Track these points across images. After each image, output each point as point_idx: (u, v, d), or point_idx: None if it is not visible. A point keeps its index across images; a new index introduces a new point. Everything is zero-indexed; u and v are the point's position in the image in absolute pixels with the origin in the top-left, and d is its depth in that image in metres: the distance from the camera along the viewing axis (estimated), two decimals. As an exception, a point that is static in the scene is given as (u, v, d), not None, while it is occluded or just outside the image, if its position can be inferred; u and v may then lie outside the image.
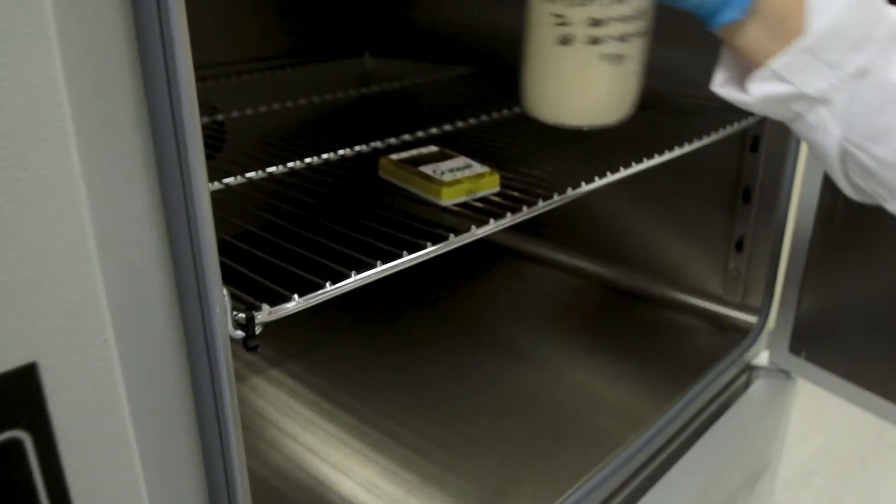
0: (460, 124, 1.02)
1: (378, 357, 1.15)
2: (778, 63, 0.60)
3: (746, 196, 1.17)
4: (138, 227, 0.43)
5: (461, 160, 0.81)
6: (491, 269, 1.41)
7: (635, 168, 0.88)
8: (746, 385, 1.17)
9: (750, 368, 1.19)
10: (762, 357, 1.20)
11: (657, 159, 0.90)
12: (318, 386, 1.07)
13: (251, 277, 0.59)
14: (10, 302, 0.38)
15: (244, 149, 0.93)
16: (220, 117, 1.05)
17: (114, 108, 0.40)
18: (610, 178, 0.85)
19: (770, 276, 1.17)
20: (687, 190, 1.23)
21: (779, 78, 0.61)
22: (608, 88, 0.68)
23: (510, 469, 0.93)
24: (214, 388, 0.47)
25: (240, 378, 1.08)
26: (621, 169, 0.86)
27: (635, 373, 1.13)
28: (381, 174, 0.83)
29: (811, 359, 1.12)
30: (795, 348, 1.14)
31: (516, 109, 1.10)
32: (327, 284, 0.58)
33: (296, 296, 0.56)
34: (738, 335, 1.20)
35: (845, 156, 0.62)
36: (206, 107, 1.08)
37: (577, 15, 0.63)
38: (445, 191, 0.76)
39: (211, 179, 0.80)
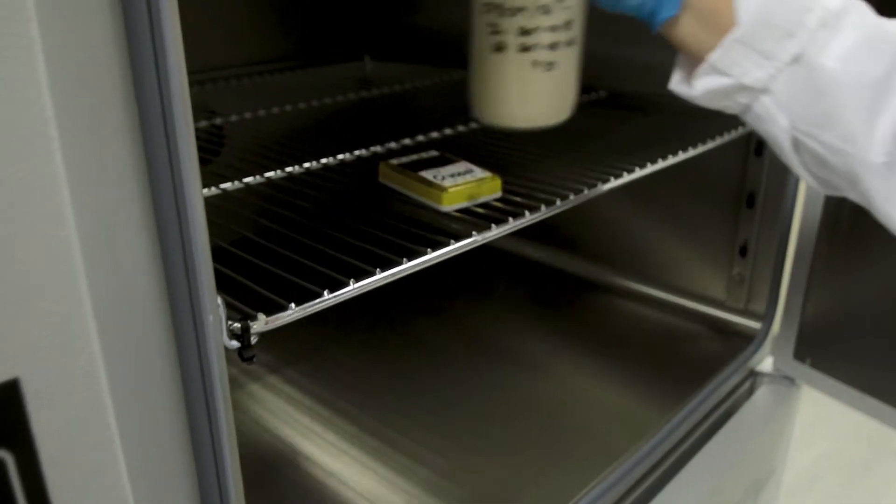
0: (461, 128, 1.01)
1: (378, 364, 1.14)
2: (715, 56, 0.62)
3: (750, 201, 1.16)
4: (127, 235, 0.41)
5: (462, 165, 0.80)
6: (493, 277, 1.40)
7: (639, 173, 0.87)
8: (750, 392, 1.16)
9: (754, 375, 1.18)
10: (766, 363, 1.19)
11: (661, 164, 0.89)
12: (318, 393, 1.06)
13: (248, 285, 0.58)
14: (-10, 315, 0.37)
15: (242, 153, 0.92)
16: (218, 121, 1.04)
17: (101, 111, 0.38)
18: (613, 183, 0.84)
19: (774, 282, 1.16)
20: (690, 195, 1.22)
21: (718, 71, 0.63)
22: (542, 93, 0.72)
23: (512, 478, 0.92)
24: (208, 402, 0.45)
25: (237, 384, 1.07)
26: (625, 174, 0.85)
27: (638, 379, 1.12)
28: (381, 179, 0.82)
29: (816, 365, 1.11)
30: (800, 354, 1.13)
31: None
32: (325, 293, 0.57)
33: (293, 304, 0.55)
34: (742, 341, 1.19)
35: (798, 146, 0.63)
36: (204, 111, 1.07)
37: (508, 24, 0.67)
38: (446, 196, 0.74)
39: (207, 185, 0.80)
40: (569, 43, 0.70)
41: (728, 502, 1.05)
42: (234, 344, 0.50)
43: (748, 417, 1.09)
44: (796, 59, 0.59)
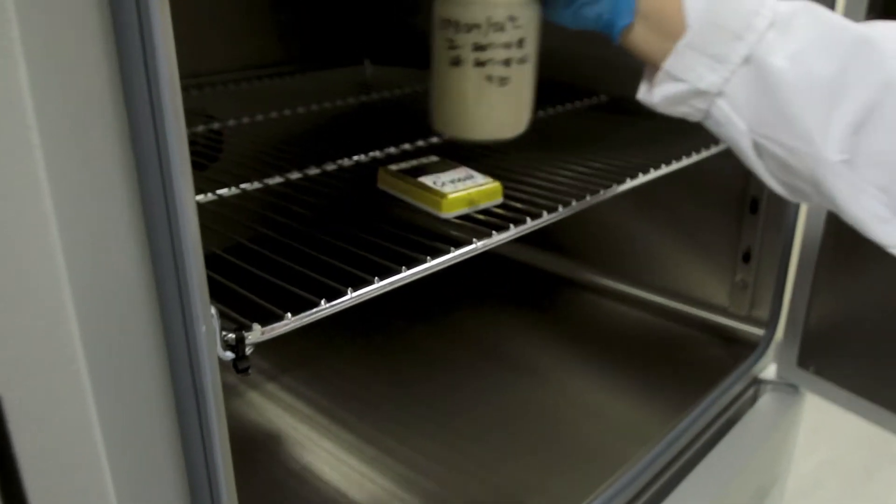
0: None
1: (377, 371, 1.13)
2: (669, 63, 0.63)
3: (754, 206, 1.15)
4: (115, 244, 0.40)
5: (463, 171, 0.79)
6: (494, 283, 1.39)
7: (642, 179, 0.86)
8: (753, 400, 1.15)
9: (757, 382, 1.17)
10: (769, 371, 1.18)
11: (664, 169, 0.88)
12: (316, 401, 1.05)
13: (243, 294, 0.57)
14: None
15: (240, 159, 0.91)
16: (216, 126, 1.03)
17: (87, 117, 0.37)
18: (616, 189, 0.83)
19: (777, 288, 1.15)
20: (693, 200, 1.21)
21: (673, 77, 0.64)
22: (497, 107, 0.75)
23: (513, 488, 0.91)
24: (201, 417, 0.44)
25: (234, 392, 1.06)
26: (628, 180, 0.85)
27: (641, 387, 1.11)
28: (380, 185, 0.81)
29: (820, 372, 1.10)
30: (804, 362, 1.12)
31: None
32: (322, 302, 0.56)
33: (289, 314, 0.53)
34: (745, 348, 1.18)
35: (760, 150, 0.64)
36: (202, 115, 1.06)
37: (464, 40, 0.71)
38: (446, 203, 0.73)
39: (204, 190, 0.79)
40: (521, 60, 0.73)
41: (732, 512, 1.04)
42: (229, 355, 0.48)
43: (752, 426, 1.08)
44: (747, 61, 0.60)
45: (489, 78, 0.72)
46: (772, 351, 1.17)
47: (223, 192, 0.79)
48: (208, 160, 0.95)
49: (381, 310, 1.24)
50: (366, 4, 1.40)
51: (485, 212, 0.76)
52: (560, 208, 0.77)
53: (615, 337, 1.25)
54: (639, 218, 1.29)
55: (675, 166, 0.89)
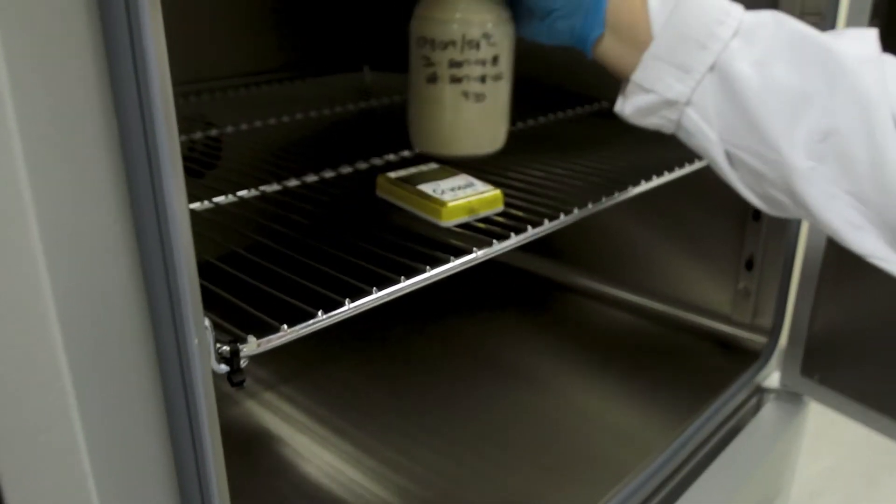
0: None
1: (376, 380, 1.12)
2: (637, 74, 0.65)
3: (756, 213, 1.14)
4: (102, 256, 0.38)
5: (463, 178, 0.78)
6: (494, 290, 1.38)
7: (644, 186, 0.86)
8: (757, 408, 1.14)
9: (760, 391, 1.16)
10: (772, 379, 1.17)
11: (667, 176, 0.88)
12: (314, 410, 1.04)
13: (238, 304, 0.56)
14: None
15: (238, 166, 0.90)
16: (213, 133, 1.02)
17: (73, 123, 0.36)
18: (618, 197, 0.82)
19: (781, 296, 1.14)
20: (695, 206, 1.20)
21: (642, 88, 0.65)
22: (474, 123, 0.77)
23: (515, 499, 0.90)
24: (194, 434, 0.43)
25: (231, 402, 1.05)
26: (630, 187, 0.84)
27: (642, 396, 1.10)
28: (379, 193, 0.80)
29: (824, 381, 1.09)
30: (808, 370, 1.11)
31: (519, 125, 1.08)
32: (319, 313, 0.54)
33: (285, 325, 0.52)
34: (748, 356, 1.17)
35: (733, 160, 0.64)
36: (201, 122, 1.05)
37: (440, 57, 0.73)
38: (446, 211, 0.72)
39: (201, 198, 0.78)
40: (496, 77, 0.75)
41: (736, 523, 1.02)
42: (223, 368, 0.47)
43: (755, 435, 1.07)
44: (712, 69, 0.61)
45: (465, 94, 0.74)
46: (775, 359, 1.16)
47: (220, 199, 0.78)
48: (206, 167, 0.94)
49: (380, 316, 1.22)
50: (365, 11, 1.40)
51: (485, 220, 0.75)
52: (562, 216, 0.77)
53: (617, 344, 1.24)
54: (640, 224, 1.29)
55: (677, 173, 0.89)
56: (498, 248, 0.70)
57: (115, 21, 0.35)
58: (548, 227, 0.75)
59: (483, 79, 0.74)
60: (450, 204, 0.73)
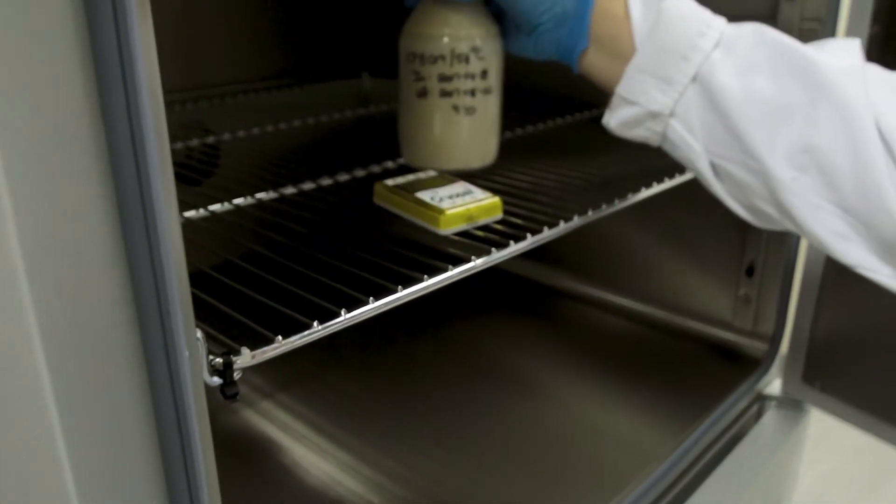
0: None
1: (376, 388, 1.11)
2: (621, 86, 0.65)
3: (757, 220, 1.13)
4: (88, 269, 0.37)
5: (461, 185, 0.77)
6: (494, 296, 1.37)
7: (645, 193, 0.85)
8: (758, 416, 1.13)
9: (761, 398, 1.16)
10: (773, 386, 1.16)
11: (667, 183, 0.87)
12: (312, 419, 1.03)
13: (232, 315, 0.55)
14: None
15: (235, 173, 0.90)
16: (210, 139, 1.01)
17: (55, 131, 0.35)
18: (618, 204, 0.81)
19: (782, 303, 1.13)
20: (695, 213, 1.19)
21: (626, 101, 0.65)
22: (465, 136, 0.77)
23: (515, 508, 0.89)
24: (185, 450, 0.42)
25: (228, 410, 1.04)
26: (630, 195, 0.83)
27: (643, 403, 1.09)
28: (376, 200, 0.79)
29: (826, 389, 1.08)
30: (809, 378, 1.10)
31: (518, 131, 1.07)
32: (315, 324, 0.54)
33: (279, 337, 0.51)
34: (749, 364, 1.16)
35: (718, 172, 0.64)
36: (199, 129, 1.04)
37: (429, 71, 0.74)
38: (444, 219, 0.71)
39: (196, 206, 0.77)
40: (486, 91, 0.76)
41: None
42: (216, 380, 0.46)
43: (756, 443, 1.06)
44: (694, 80, 0.61)
45: (455, 108, 0.75)
46: (776, 366, 1.15)
47: (215, 207, 0.78)
48: (203, 175, 0.93)
49: (378, 323, 1.22)
50: (364, 17, 1.39)
51: (484, 228, 0.74)
52: (561, 224, 0.76)
53: (617, 352, 1.23)
54: (640, 231, 1.28)
55: (678, 180, 0.88)
56: (497, 256, 0.69)
57: (102, 26, 0.34)
58: (547, 234, 0.74)
59: (473, 92, 0.75)
60: (448, 212, 0.72)
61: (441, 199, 0.73)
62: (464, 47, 0.73)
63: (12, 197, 0.34)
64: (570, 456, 0.98)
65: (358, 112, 1.19)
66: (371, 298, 0.58)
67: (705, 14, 0.63)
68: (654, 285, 1.30)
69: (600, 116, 0.70)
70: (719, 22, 0.63)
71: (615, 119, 0.68)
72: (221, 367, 0.46)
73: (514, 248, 0.71)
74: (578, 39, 0.67)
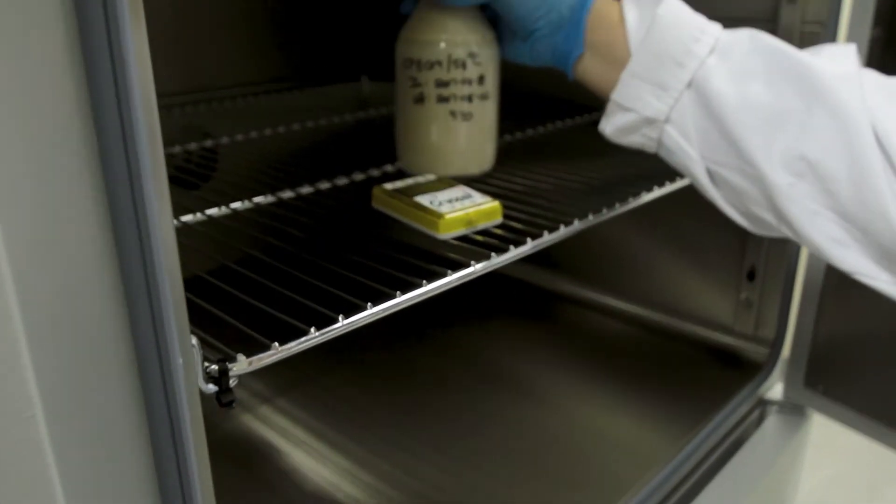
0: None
1: (375, 392, 1.10)
2: (616, 93, 0.65)
3: (758, 223, 1.12)
4: (79, 274, 0.37)
5: (460, 189, 0.76)
6: (494, 300, 1.37)
7: (646, 197, 0.85)
8: (759, 421, 1.12)
9: (763, 403, 1.15)
10: (775, 390, 1.16)
11: (669, 187, 0.87)
12: (311, 424, 1.02)
13: (228, 321, 0.55)
14: None
15: (233, 177, 0.89)
16: (208, 143, 1.01)
17: (43, 134, 0.34)
18: (619, 208, 0.81)
19: (784, 307, 1.12)
20: (696, 216, 1.19)
21: (621, 107, 0.65)
22: (463, 142, 0.77)
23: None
24: (179, 461, 0.41)
25: (226, 416, 1.03)
26: (631, 199, 0.82)
27: (644, 408, 1.09)
28: (375, 205, 0.78)
29: (828, 393, 1.08)
30: (811, 382, 1.10)
31: (518, 135, 1.07)
32: (312, 330, 0.53)
33: (276, 343, 0.51)
34: (751, 368, 1.15)
35: (715, 179, 0.64)
36: (198, 132, 1.04)
37: (426, 77, 0.74)
38: (443, 223, 0.71)
39: (193, 210, 0.76)
40: (483, 97, 0.76)
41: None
42: (211, 388, 0.46)
43: (758, 448, 1.06)
44: (689, 86, 0.61)
45: (452, 114, 0.75)
46: (778, 371, 1.15)
47: (212, 212, 0.77)
48: (202, 179, 0.93)
49: (378, 327, 1.21)
50: (363, 21, 1.39)
51: (484, 232, 0.74)
52: (562, 228, 0.75)
53: (618, 356, 1.22)
54: (641, 235, 1.27)
55: (679, 184, 0.87)
56: (497, 261, 0.68)
57: (92, 28, 0.34)
58: (548, 239, 0.74)
59: (470, 98, 0.75)
60: (447, 216, 0.71)
61: (440, 204, 0.73)
62: (460, 53, 0.73)
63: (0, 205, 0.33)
64: (570, 461, 0.97)
65: (357, 115, 1.19)
66: (369, 304, 0.58)
67: (700, 20, 0.63)
68: (655, 289, 1.29)
69: (599, 120, 0.69)
70: (714, 28, 0.63)
71: (611, 125, 0.68)
72: (217, 375, 0.46)
73: (514, 253, 0.70)
74: (574, 45, 0.67)
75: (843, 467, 1.92)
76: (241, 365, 0.48)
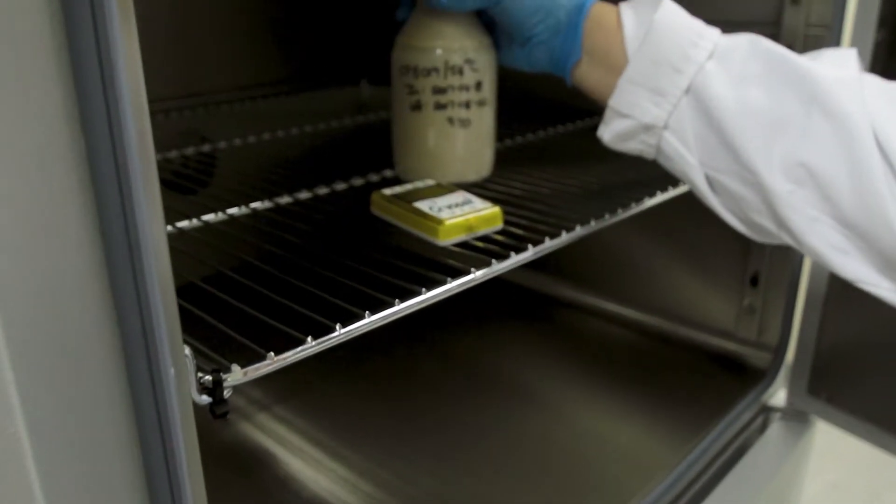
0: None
1: (374, 400, 1.09)
2: (613, 99, 0.65)
3: (762, 229, 1.12)
4: (64, 281, 0.36)
5: (460, 195, 0.75)
6: (495, 306, 1.36)
7: (649, 203, 0.84)
8: (763, 428, 1.11)
9: (766, 410, 1.14)
10: (778, 397, 1.15)
11: (672, 192, 0.86)
12: (310, 433, 1.01)
13: (223, 330, 0.54)
14: None
15: (231, 182, 0.88)
16: (206, 148, 1.00)
17: (31, 138, 0.33)
18: (622, 214, 0.80)
19: (787, 313, 1.12)
20: (698, 223, 1.17)
21: (619, 114, 0.65)
22: (461, 148, 0.78)
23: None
24: (170, 475, 0.40)
25: (223, 424, 1.02)
26: (633, 205, 0.82)
27: (646, 415, 1.08)
28: (373, 210, 0.77)
29: (832, 400, 1.07)
30: (815, 389, 1.09)
31: (518, 139, 1.06)
32: (309, 339, 0.52)
33: (271, 353, 0.50)
34: (754, 374, 1.15)
35: (714, 186, 0.63)
36: (195, 137, 1.03)
37: (423, 84, 0.74)
38: (443, 230, 0.69)
39: (189, 216, 0.75)
40: (480, 103, 0.76)
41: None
42: (205, 399, 0.45)
43: (761, 456, 1.05)
44: (688, 92, 0.61)
45: (450, 120, 0.75)
46: (781, 377, 1.14)
47: (209, 217, 0.76)
48: (199, 184, 0.92)
49: (378, 333, 1.20)
50: (363, 24, 1.38)
51: (484, 238, 0.73)
52: (563, 234, 0.74)
53: (619, 363, 1.22)
54: (643, 240, 1.27)
55: (682, 189, 0.86)
56: (497, 268, 0.67)
57: (80, 29, 0.33)
58: (549, 245, 0.73)
59: (467, 105, 0.75)
60: (447, 222, 0.70)
61: (440, 210, 0.72)
62: (457, 59, 0.73)
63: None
64: (572, 468, 0.96)
65: (356, 120, 1.18)
66: (367, 312, 0.57)
67: (698, 25, 0.62)
68: (657, 294, 1.28)
69: (598, 125, 0.69)
70: (713, 33, 0.62)
71: (609, 132, 0.67)
72: (211, 385, 0.45)
73: (515, 260, 0.69)
74: (571, 51, 0.67)
75: (844, 473, 1.92)
76: (236, 375, 0.47)
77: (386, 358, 1.18)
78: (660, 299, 1.28)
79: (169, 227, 0.73)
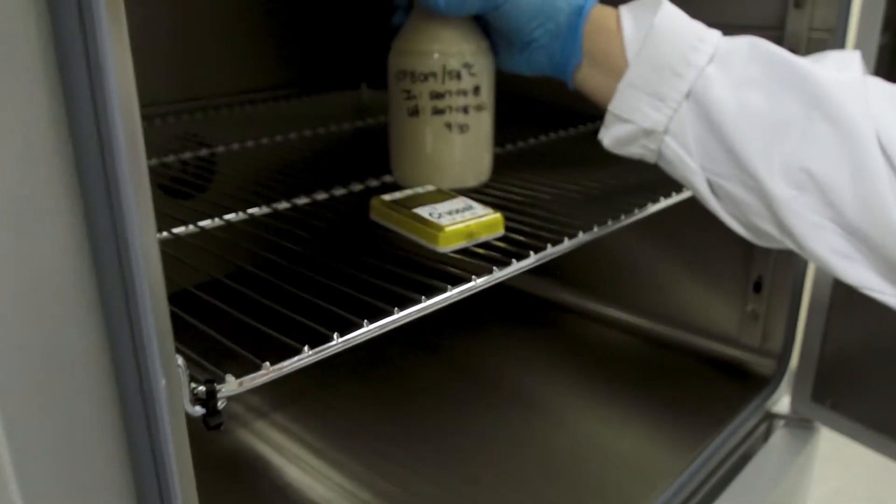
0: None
1: (374, 406, 1.08)
2: (613, 104, 0.64)
3: (765, 234, 1.11)
4: (50, 287, 0.35)
5: (461, 201, 0.74)
6: (495, 312, 1.35)
7: (652, 209, 0.83)
8: (766, 435, 1.11)
9: (770, 417, 1.13)
10: (782, 403, 1.14)
11: (675, 198, 0.85)
12: (308, 440, 1.00)
13: (218, 338, 0.53)
14: None
15: (229, 188, 0.87)
16: (203, 153, 0.99)
17: (15, 142, 0.32)
18: (624, 220, 0.79)
19: (791, 319, 1.11)
20: (701, 228, 1.16)
21: (619, 119, 0.64)
22: (459, 154, 0.77)
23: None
24: (162, 496, 0.38)
25: (221, 431, 1.01)
26: (636, 211, 0.81)
27: (649, 422, 1.07)
28: (373, 216, 0.76)
29: (836, 407, 1.06)
30: (819, 396, 1.08)
31: (520, 144, 1.05)
32: (305, 348, 0.51)
33: (267, 363, 0.49)
34: (757, 381, 1.14)
35: (716, 191, 0.63)
36: (194, 141, 1.02)
37: (421, 89, 0.74)
38: (443, 236, 0.68)
39: (186, 222, 0.74)
40: (479, 108, 0.76)
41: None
42: (199, 410, 0.44)
43: (765, 464, 1.04)
44: (688, 97, 0.60)
45: (448, 125, 0.75)
46: (785, 384, 1.13)
47: (206, 223, 0.75)
48: (197, 189, 0.91)
49: (377, 340, 1.19)
50: (363, 28, 1.38)
51: (485, 245, 0.71)
52: (566, 241, 0.73)
53: (622, 369, 1.21)
54: (645, 245, 1.26)
55: (686, 194, 0.86)
56: (499, 275, 0.66)
57: (67, 32, 0.32)
58: (551, 251, 0.72)
59: (465, 109, 0.74)
60: (447, 228, 0.69)
61: (440, 216, 0.70)
62: (455, 63, 0.72)
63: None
64: (573, 476, 0.95)
65: (356, 124, 1.17)
66: (365, 321, 0.56)
67: (699, 27, 0.61)
68: (660, 300, 1.27)
69: (599, 129, 0.68)
70: (713, 35, 0.61)
71: (609, 136, 0.66)
72: (204, 396, 0.44)
73: (516, 267, 0.68)
74: (571, 54, 0.66)
75: (848, 480, 1.91)
76: (231, 386, 0.46)
77: (386, 364, 1.18)
78: (662, 305, 1.27)
79: (164, 234, 0.72)
